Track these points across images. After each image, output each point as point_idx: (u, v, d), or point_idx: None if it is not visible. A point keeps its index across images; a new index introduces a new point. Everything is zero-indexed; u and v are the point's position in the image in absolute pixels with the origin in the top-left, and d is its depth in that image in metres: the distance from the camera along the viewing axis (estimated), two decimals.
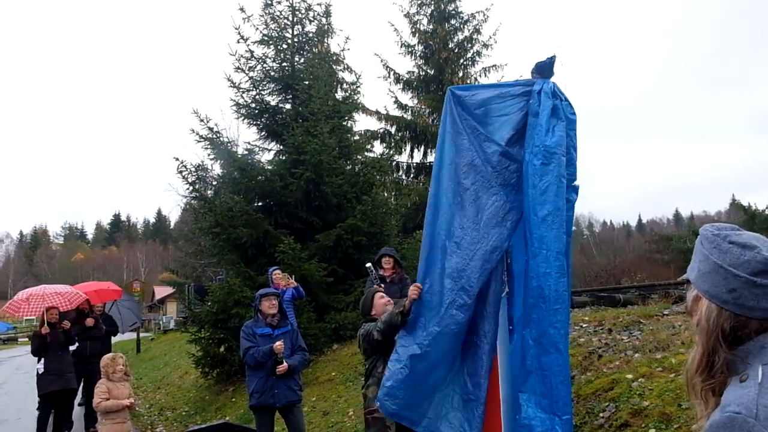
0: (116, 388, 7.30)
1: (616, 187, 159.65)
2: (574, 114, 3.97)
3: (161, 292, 52.61)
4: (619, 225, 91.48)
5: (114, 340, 12.02)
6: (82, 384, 10.26)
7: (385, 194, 15.12)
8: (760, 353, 1.38)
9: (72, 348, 9.82)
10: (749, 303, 1.38)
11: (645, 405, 5.26)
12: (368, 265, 7.83)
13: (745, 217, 31.15)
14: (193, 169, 13.65)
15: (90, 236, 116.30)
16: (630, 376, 5.76)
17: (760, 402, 1.29)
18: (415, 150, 23.39)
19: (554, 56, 3.90)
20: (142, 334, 29.04)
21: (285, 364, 6.36)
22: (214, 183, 14.42)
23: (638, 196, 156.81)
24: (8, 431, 10.87)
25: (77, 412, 10.50)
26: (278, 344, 6.37)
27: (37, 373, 9.15)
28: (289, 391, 6.47)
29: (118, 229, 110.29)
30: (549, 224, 3.68)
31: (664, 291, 11.33)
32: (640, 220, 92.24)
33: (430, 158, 23.47)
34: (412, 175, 23.46)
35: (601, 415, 5.55)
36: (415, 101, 23.31)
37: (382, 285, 7.65)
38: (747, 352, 1.40)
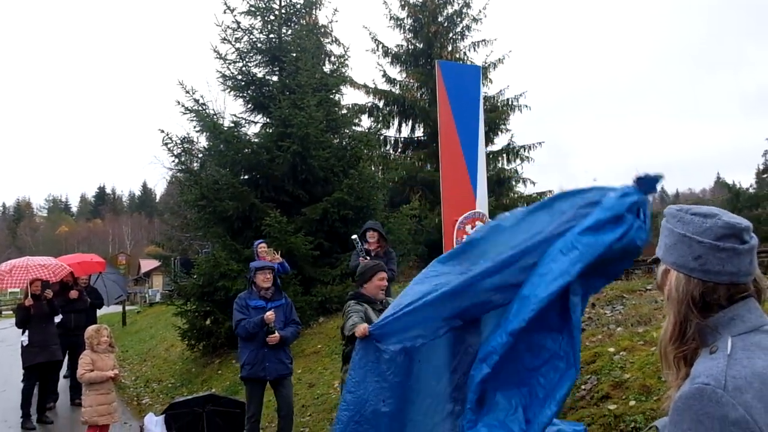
0: (100, 360, 7.31)
1: (605, 163, 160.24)
2: (639, 241, 3.06)
3: (147, 265, 52.42)
4: None
5: (99, 313, 12.00)
6: (67, 356, 10.25)
7: (372, 168, 15.05)
8: (729, 325, 1.41)
9: (56, 320, 9.80)
10: (715, 268, 1.42)
11: (626, 377, 5.33)
12: (354, 237, 7.84)
13: (729, 195, 31.40)
14: (178, 142, 13.56)
15: (74, 209, 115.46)
16: (612, 350, 5.84)
17: (729, 373, 1.31)
18: (403, 124, 23.34)
19: (661, 176, 3.01)
20: (128, 308, 29.03)
21: (277, 334, 6.36)
22: (200, 155, 14.31)
23: (625, 174, 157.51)
24: None
25: (62, 384, 10.51)
26: (269, 314, 6.39)
27: (22, 345, 9.14)
28: (280, 364, 6.49)
29: (102, 202, 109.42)
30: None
31: (648, 267, 11.43)
32: None
33: (418, 133, 23.44)
34: (399, 150, 23.42)
35: (582, 387, 5.62)
36: (404, 75, 23.18)
37: (368, 258, 7.67)
38: (717, 324, 1.43)
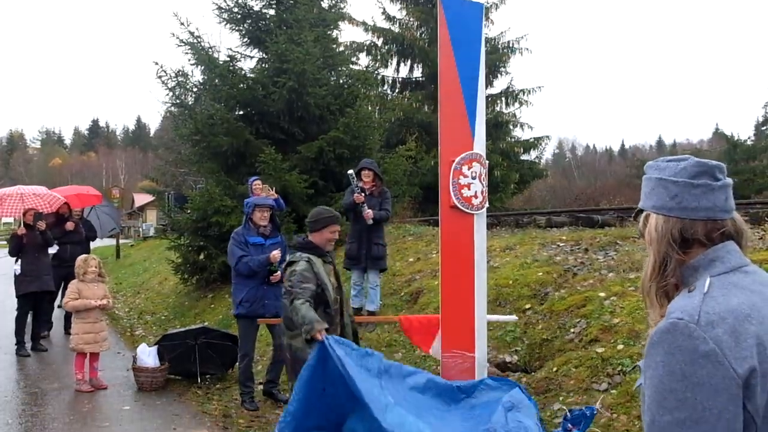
0: (88, 289, 7.35)
1: (602, 110, 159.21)
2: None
3: (141, 199, 52.35)
4: (602, 149, 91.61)
5: (93, 245, 12.00)
6: (62, 287, 10.30)
7: (369, 108, 14.88)
8: (709, 266, 1.46)
9: (52, 251, 9.82)
10: (691, 204, 1.50)
11: (615, 322, 5.40)
12: (350, 172, 7.80)
13: (727, 146, 31.34)
14: (172, 75, 13.30)
15: (68, 141, 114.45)
16: (603, 294, 5.89)
17: (703, 309, 1.36)
18: (402, 64, 23.01)
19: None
20: (121, 241, 29.07)
21: (278, 273, 6.36)
22: (195, 90, 14.07)
23: (623, 121, 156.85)
24: None
25: (57, 314, 10.59)
26: (275, 253, 6.40)
27: (15, 274, 9.16)
28: (278, 302, 6.49)
29: (96, 135, 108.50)
30: None
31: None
32: (623, 145, 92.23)
33: (417, 73, 23.14)
34: (397, 90, 23.15)
35: (572, 330, 5.69)
36: (404, 13, 22.73)
37: (363, 194, 7.65)
38: (698, 265, 1.48)
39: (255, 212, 6.59)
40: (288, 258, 4.97)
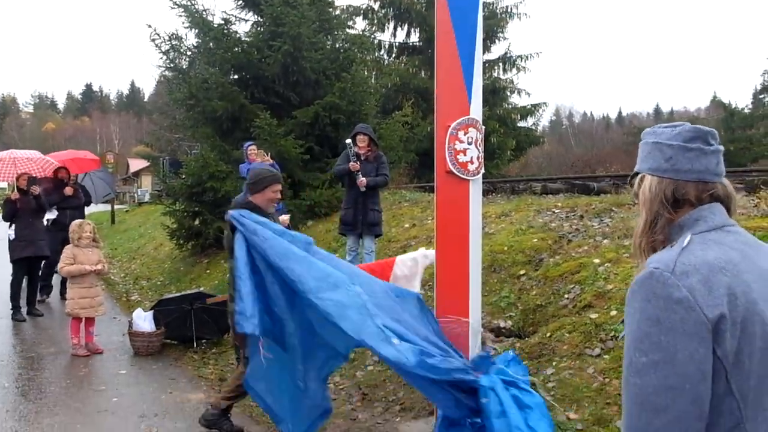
0: (82, 254, 7.35)
1: (600, 77, 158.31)
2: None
3: (136, 165, 52.14)
4: (599, 117, 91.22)
5: (88, 210, 11.96)
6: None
7: (366, 73, 14.75)
8: (693, 225, 1.56)
9: (51, 216, 9.81)
10: (684, 166, 1.58)
11: (609, 288, 5.41)
12: (348, 141, 7.75)
13: (725, 114, 31.28)
14: (166, 38, 13.14)
15: (61, 106, 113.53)
16: (597, 261, 5.90)
17: (679, 260, 1.46)
18: (398, 29, 22.81)
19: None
20: (116, 207, 29.00)
21: None
22: (189, 53, 13.91)
23: (620, 89, 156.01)
24: None
25: (57, 279, 10.60)
26: (284, 218, 6.40)
27: (9, 239, 9.15)
28: None
29: (90, 100, 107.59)
30: None
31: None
32: (620, 112, 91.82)
33: (414, 38, 22.95)
34: (393, 55, 22.95)
35: (566, 296, 5.71)
36: None
37: (358, 162, 7.60)
38: (683, 224, 1.58)
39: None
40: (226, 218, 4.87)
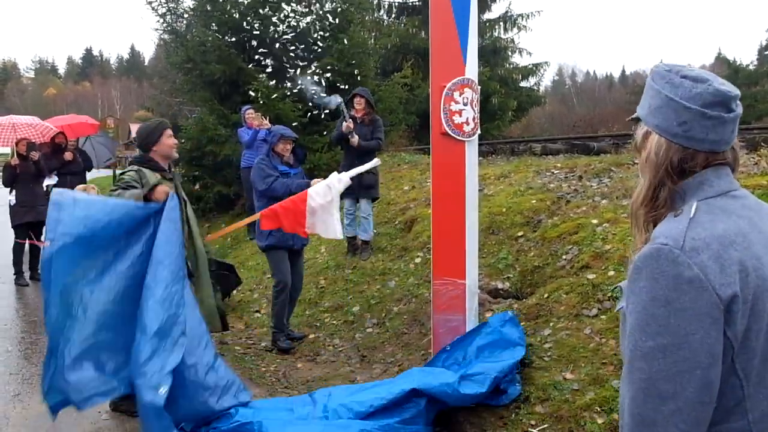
0: None
1: (603, 35, 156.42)
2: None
3: (136, 129, 51.89)
4: (603, 76, 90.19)
5: (89, 176, 11.95)
6: None
7: (364, 34, 14.55)
8: (697, 189, 1.43)
9: (51, 182, 9.80)
10: (699, 135, 1.41)
11: (607, 248, 5.41)
12: (339, 101, 7.66)
13: (729, 71, 30.94)
14: (163, 1, 13.00)
15: (61, 71, 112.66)
16: (595, 221, 5.90)
17: (688, 234, 1.34)
18: None
19: None
20: (117, 172, 28.95)
21: None
22: (186, 16, 13.75)
23: (624, 47, 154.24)
24: None
25: None
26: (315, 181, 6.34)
27: (9, 204, 9.17)
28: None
29: (90, 64, 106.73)
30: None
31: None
32: (623, 71, 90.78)
33: None
34: (393, 16, 22.64)
35: (563, 257, 5.72)
36: None
37: (352, 124, 7.53)
38: (686, 189, 1.44)
39: (280, 143, 6.27)
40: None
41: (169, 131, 4.77)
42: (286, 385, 5.43)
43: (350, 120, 7.51)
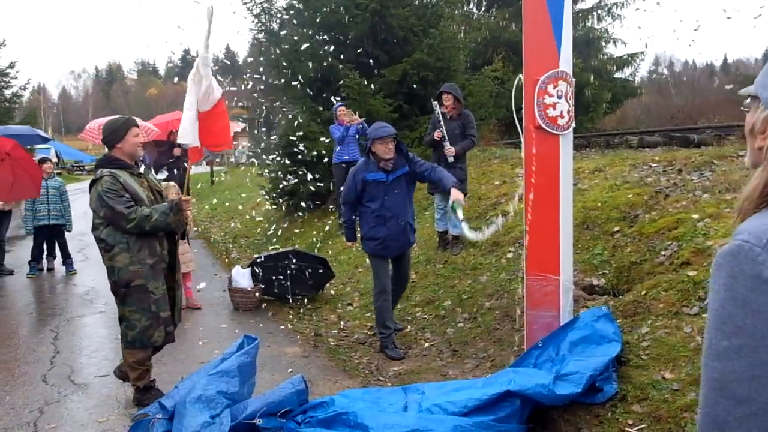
0: None
1: (703, 21, 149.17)
2: None
3: (233, 127, 53.53)
4: (702, 65, 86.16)
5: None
6: None
7: (454, 28, 14.52)
8: None
9: (162, 177, 10.29)
10: None
11: (709, 245, 5.21)
12: (434, 102, 7.72)
13: None
14: (258, 1, 13.41)
15: (162, 72, 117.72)
16: (696, 216, 5.68)
17: None
18: None
19: None
20: (216, 168, 30.02)
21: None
22: (279, 16, 14.12)
23: (726, 33, 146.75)
24: None
25: None
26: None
27: None
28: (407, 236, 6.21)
29: (187, 65, 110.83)
30: None
31: (743, 132, 10.83)
32: (725, 59, 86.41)
33: None
34: (483, 9, 22.40)
35: (662, 253, 5.54)
36: None
37: (441, 122, 7.54)
38: None
39: (376, 144, 5.83)
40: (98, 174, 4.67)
41: (135, 130, 4.74)
42: (379, 377, 5.51)
43: (442, 126, 7.49)
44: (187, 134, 4.95)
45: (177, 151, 10.59)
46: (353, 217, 6.25)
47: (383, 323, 6.07)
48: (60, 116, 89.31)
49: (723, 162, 7.16)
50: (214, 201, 20.67)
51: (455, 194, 5.38)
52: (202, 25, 4.84)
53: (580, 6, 21.41)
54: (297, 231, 11.65)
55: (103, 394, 5.19)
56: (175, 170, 10.47)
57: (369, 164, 5.93)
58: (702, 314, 4.54)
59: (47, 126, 68.95)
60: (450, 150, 7.49)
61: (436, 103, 7.68)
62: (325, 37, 12.87)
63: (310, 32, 12.41)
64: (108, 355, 6.18)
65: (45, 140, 17.46)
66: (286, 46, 12.17)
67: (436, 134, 7.56)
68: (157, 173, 10.12)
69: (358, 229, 6.29)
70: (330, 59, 11.98)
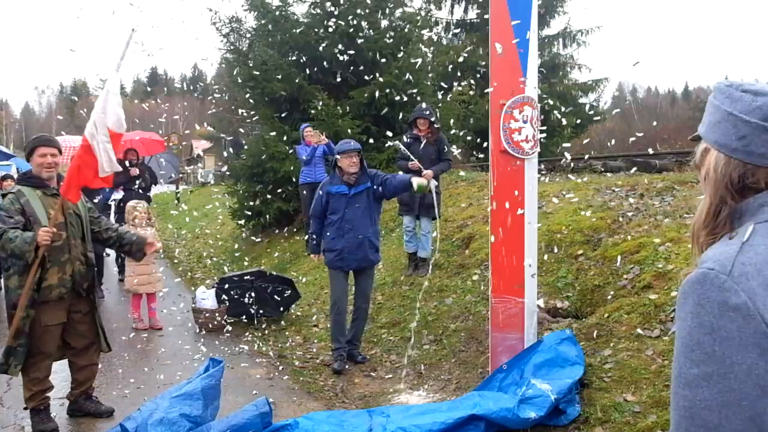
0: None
1: (665, 50, 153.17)
2: None
3: (199, 146, 53.19)
4: (665, 91, 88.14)
5: (154, 191, 12.32)
6: None
7: (423, 49, 14.64)
8: (756, 212, 1.34)
9: (118, 197, 10.15)
10: (759, 150, 1.33)
11: (670, 268, 5.30)
12: (397, 143, 7.64)
13: None
14: (226, 21, 13.40)
15: (128, 90, 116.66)
16: (657, 240, 5.78)
17: (738, 259, 1.26)
18: (456, 5, 22.49)
19: None
20: (181, 187, 29.75)
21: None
22: (248, 36, 14.12)
23: (687, 61, 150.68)
24: None
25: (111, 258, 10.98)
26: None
27: None
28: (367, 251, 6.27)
29: (155, 83, 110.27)
30: None
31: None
32: (686, 86, 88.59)
33: (471, 14, 22.61)
34: (451, 33, 22.71)
35: (625, 276, 5.63)
36: None
37: (414, 161, 6.97)
38: (744, 210, 1.36)
39: (342, 159, 6.03)
40: None
41: (43, 149, 4.64)
42: (344, 399, 5.47)
43: (411, 158, 7.05)
44: (109, 162, 4.69)
45: (134, 172, 10.48)
46: (320, 230, 6.32)
47: (334, 337, 6.25)
48: (22, 132, 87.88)
49: (683, 187, 7.32)
50: (179, 220, 20.45)
51: (417, 180, 5.82)
52: (120, 46, 4.67)
53: (546, 32, 21.82)
54: (263, 251, 11.57)
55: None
56: (132, 191, 10.35)
57: (334, 178, 6.20)
58: (663, 337, 4.61)
59: (9, 142, 67.84)
60: (428, 173, 7.13)
61: (397, 143, 7.57)
62: (294, 57, 12.90)
63: (280, 53, 12.42)
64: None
65: (7, 156, 17.20)
66: (255, 69, 12.15)
67: (412, 165, 7.05)
68: (113, 193, 10.00)
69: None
70: (299, 80, 12.00)
